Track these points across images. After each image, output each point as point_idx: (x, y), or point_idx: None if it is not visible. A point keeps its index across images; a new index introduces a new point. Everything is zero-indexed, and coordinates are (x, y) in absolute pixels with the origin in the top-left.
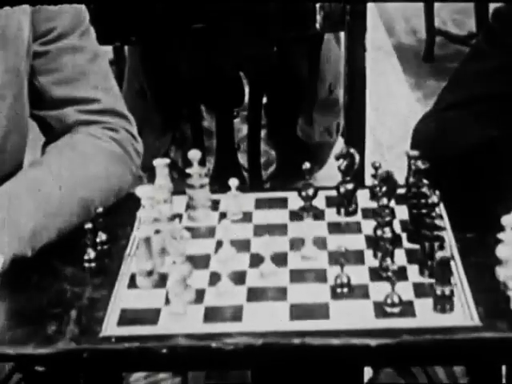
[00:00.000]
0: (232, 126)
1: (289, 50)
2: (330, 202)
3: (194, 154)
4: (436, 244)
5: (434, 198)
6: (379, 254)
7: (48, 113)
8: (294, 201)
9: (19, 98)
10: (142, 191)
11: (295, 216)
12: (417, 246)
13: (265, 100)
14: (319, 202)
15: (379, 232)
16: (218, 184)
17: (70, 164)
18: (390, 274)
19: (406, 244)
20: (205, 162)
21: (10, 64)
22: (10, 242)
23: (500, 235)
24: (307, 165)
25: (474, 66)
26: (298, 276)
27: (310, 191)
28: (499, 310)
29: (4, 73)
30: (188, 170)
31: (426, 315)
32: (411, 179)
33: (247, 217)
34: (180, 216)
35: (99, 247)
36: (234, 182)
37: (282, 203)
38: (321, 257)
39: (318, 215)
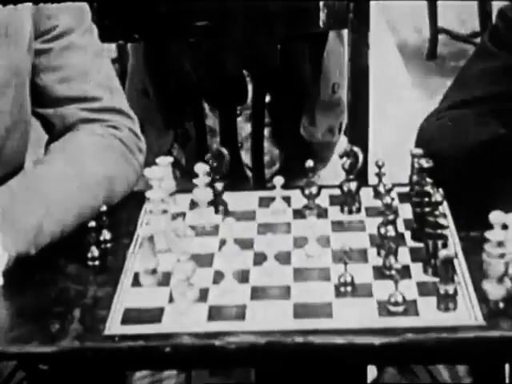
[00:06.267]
0: (235, 125)
1: (292, 48)
2: (333, 200)
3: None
4: (439, 242)
5: (438, 197)
6: (383, 253)
7: (50, 111)
8: (298, 199)
9: (21, 95)
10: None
11: (299, 214)
12: (420, 245)
13: (268, 98)
14: (323, 200)
15: (383, 230)
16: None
17: (73, 162)
18: (393, 272)
19: (410, 242)
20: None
21: (11, 62)
22: (14, 239)
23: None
24: (310, 163)
25: (480, 65)
26: (301, 275)
27: (314, 189)
28: (503, 309)
29: (6, 70)
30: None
31: (429, 314)
32: (415, 178)
33: (251, 215)
34: (184, 214)
35: (103, 245)
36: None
37: (286, 202)
38: (324, 255)
39: (322, 213)
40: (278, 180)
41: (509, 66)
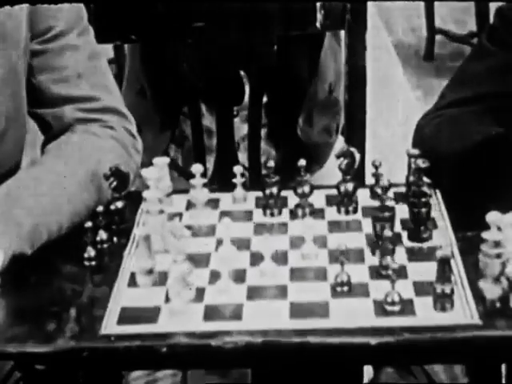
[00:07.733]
0: (232, 125)
1: (289, 48)
2: (330, 200)
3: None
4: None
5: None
6: (378, 252)
7: (46, 111)
8: (294, 199)
9: (17, 95)
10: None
11: (294, 214)
12: (418, 245)
13: (265, 99)
14: (319, 200)
15: (378, 227)
16: (218, 183)
17: (69, 162)
18: (390, 272)
19: (407, 242)
20: (205, 160)
21: (7, 62)
22: (10, 239)
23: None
24: (302, 162)
25: (477, 64)
26: (298, 274)
27: (306, 188)
28: (499, 308)
29: (1, 71)
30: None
31: (426, 313)
32: (411, 178)
33: (247, 215)
34: (180, 215)
35: (99, 245)
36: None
37: (283, 202)
38: (321, 255)
39: (317, 213)
40: (238, 169)
41: (506, 64)
